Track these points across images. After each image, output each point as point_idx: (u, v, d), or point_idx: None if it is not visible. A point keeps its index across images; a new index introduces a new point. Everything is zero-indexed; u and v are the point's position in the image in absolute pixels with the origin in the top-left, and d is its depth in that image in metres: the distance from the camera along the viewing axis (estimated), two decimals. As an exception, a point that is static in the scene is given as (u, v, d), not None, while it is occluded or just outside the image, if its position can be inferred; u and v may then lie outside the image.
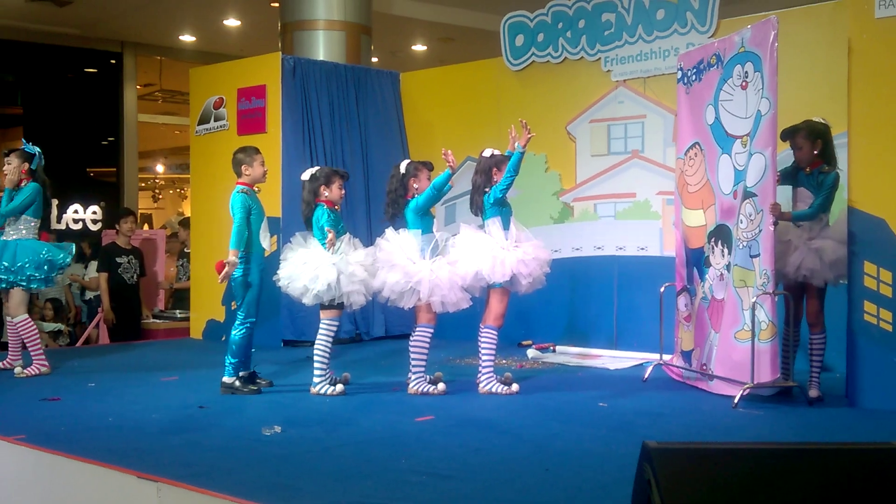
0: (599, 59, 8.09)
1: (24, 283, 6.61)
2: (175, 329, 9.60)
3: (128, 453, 4.33)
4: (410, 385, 5.94)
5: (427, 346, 5.92)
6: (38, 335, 6.84)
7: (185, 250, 10.06)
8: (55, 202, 9.58)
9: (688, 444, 2.88)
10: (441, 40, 14.27)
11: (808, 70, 6.89)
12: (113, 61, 14.64)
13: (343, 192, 6.11)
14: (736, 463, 2.67)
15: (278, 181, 8.17)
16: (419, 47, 14.87)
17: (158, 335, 9.53)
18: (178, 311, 9.95)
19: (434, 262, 5.83)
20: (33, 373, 6.66)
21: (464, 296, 5.85)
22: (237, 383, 5.96)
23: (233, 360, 5.98)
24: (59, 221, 9.94)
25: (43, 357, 6.79)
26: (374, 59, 11.61)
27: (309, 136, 8.83)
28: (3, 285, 6.63)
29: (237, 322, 6.01)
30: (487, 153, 6.06)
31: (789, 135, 5.76)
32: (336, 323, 6.03)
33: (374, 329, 8.95)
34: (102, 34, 14.04)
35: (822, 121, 5.81)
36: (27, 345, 6.77)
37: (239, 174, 6.13)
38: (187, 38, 14.45)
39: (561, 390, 6.12)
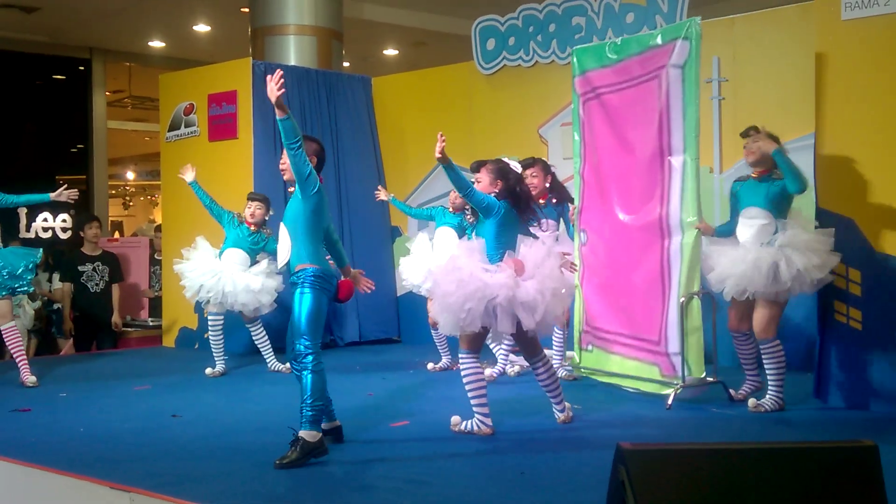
0: (570, 62, 8.09)
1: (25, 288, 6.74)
2: (147, 337, 9.51)
3: (100, 464, 4.30)
4: (562, 415, 5.21)
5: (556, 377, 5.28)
6: (22, 344, 6.79)
7: (157, 257, 9.96)
8: (24, 211, 9.47)
9: (661, 445, 2.90)
10: (412, 45, 14.27)
11: (778, 72, 6.95)
12: (81, 68, 14.52)
13: (255, 211, 7.00)
14: (709, 463, 2.69)
15: (250, 187, 8.13)
16: (391, 52, 14.86)
17: (130, 343, 9.44)
18: (150, 318, 9.85)
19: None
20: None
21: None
22: (321, 441, 4.34)
23: (316, 404, 4.33)
24: (28, 230, 9.80)
25: (27, 366, 6.66)
26: (346, 64, 11.57)
27: (280, 141, 8.76)
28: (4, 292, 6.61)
29: (301, 356, 4.35)
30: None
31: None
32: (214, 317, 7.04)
33: (347, 334, 8.93)
34: (71, 41, 13.92)
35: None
36: (12, 354, 6.69)
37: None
38: (157, 44, 14.36)
39: (536, 393, 6.12)
